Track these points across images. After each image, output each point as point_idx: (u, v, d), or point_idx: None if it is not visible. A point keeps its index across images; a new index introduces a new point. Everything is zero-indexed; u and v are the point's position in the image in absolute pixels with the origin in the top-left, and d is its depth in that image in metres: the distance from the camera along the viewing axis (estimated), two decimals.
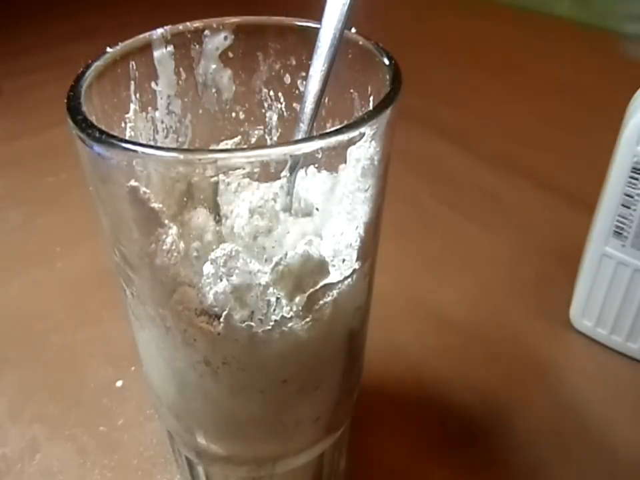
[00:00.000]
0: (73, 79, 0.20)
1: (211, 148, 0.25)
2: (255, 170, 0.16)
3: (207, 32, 0.24)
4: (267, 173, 0.21)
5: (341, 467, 0.28)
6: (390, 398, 0.32)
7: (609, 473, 0.29)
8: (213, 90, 0.25)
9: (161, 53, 0.23)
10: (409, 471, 0.29)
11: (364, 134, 0.17)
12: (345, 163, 0.20)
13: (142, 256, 0.18)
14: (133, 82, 0.22)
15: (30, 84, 0.67)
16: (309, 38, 0.22)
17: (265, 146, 0.23)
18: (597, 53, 0.71)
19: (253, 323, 0.18)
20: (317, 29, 0.21)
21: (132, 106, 0.22)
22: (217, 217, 0.23)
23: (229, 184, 0.23)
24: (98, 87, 0.20)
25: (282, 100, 0.25)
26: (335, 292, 0.19)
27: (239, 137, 0.26)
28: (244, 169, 0.16)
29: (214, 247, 0.18)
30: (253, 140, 0.26)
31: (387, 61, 0.21)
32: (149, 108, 0.23)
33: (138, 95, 0.22)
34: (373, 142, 0.18)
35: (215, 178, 0.17)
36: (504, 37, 0.77)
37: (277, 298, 0.18)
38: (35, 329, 0.37)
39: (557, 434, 0.30)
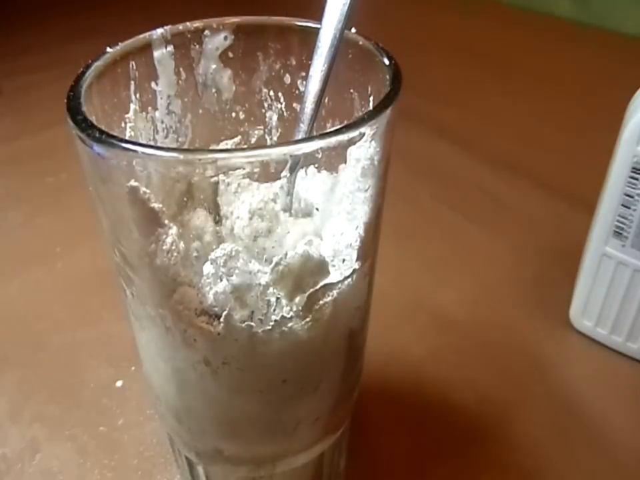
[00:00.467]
0: (72, 79, 0.19)
1: (211, 148, 0.25)
2: (255, 170, 0.16)
3: (206, 32, 0.24)
4: (267, 173, 0.21)
5: (341, 467, 0.28)
6: (390, 398, 0.32)
7: (609, 473, 0.29)
8: (213, 90, 0.25)
9: (160, 53, 0.23)
10: (409, 471, 0.29)
11: (364, 134, 0.17)
12: (345, 163, 0.20)
13: (142, 256, 0.18)
14: (132, 82, 0.22)
15: (30, 84, 0.67)
16: (309, 38, 0.22)
17: (265, 146, 0.23)
18: (597, 53, 0.71)
19: (253, 323, 0.18)
20: (317, 29, 0.21)
21: (132, 106, 0.22)
22: (217, 218, 0.23)
23: (229, 184, 0.23)
24: (98, 87, 0.20)
25: (282, 100, 0.25)
26: (334, 292, 0.19)
27: (239, 136, 0.26)
28: (244, 169, 0.16)
29: (214, 247, 0.18)
30: (253, 140, 0.26)
31: (386, 61, 0.21)
32: (149, 108, 0.23)
33: (138, 95, 0.22)
34: (372, 142, 0.18)
35: (215, 178, 0.17)
36: (504, 36, 0.77)
37: (277, 298, 0.18)
38: (34, 329, 0.37)
39: (557, 434, 0.30)
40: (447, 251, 0.43)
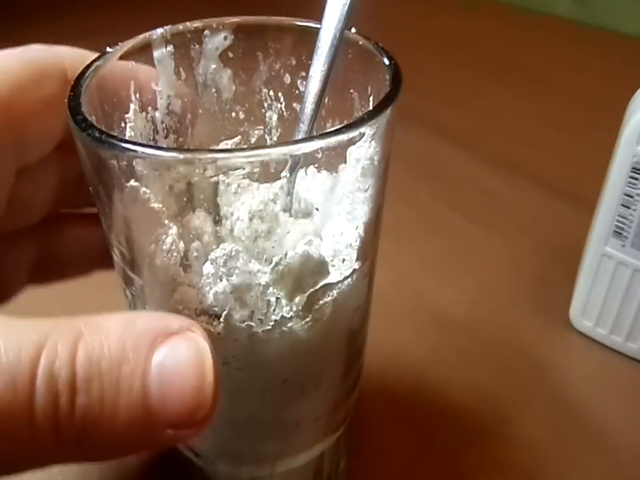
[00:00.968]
0: None
1: (211, 148, 0.25)
2: (255, 170, 0.16)
3: (206, 32, 0.24)
4: (266, 173, 0.21)
5: (341, 467, 0.28)
6: (390, 398, 0.32)
7: (609, 473, 0.29)
8: (213, 90, 0.25)
9: (160, 53, 0.23)
10: (409, 471, 0.29)
11: (364, 134, 0.17)
12: (345, 162, 0.20)
13: (142, 256, 0.18)
14: (132, 82, 0.22)
15: None
16: (309, 38, 0.22)
17: (265, 146, 0.23)
18: (597, 53, 0.71)
19: (252, 323, 0.18)
20: (317, 29, 0.21)
21: (132, 106, 0.22)
22: (217, 218, 0.23)
23: (229, 184, 0.23)
24: (98, 87, 0.20)
25: (282, 100, 0.25)
26: (335, 292, 0.19)
27: (239, 136, 0.26)
28: (244, 168, 0.16)
29: (214, 247, 0.18)
30: (253, 140, 0.26)
31: (386, 61, 0.21)
32: (149, 108, 0.23)
33: (138, 95, 0.22)
34: (372, 142, 0.18)
35: (215, 178, 0.17)
36: (504, 36, 0.77)
37: (277, 298, 0.18)
38: None
39: (557, 434, 0.30)
40: (446, 251, 0.43)
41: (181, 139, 0.25)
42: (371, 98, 0.22)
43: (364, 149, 0.18)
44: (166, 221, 0.18)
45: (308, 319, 0.19)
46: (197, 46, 0.24)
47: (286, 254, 0.18)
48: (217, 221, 0.23)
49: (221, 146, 0.25)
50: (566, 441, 0.30)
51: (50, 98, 0.21)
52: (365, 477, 0.29)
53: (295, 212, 0.23)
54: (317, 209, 0.22)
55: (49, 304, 0.39)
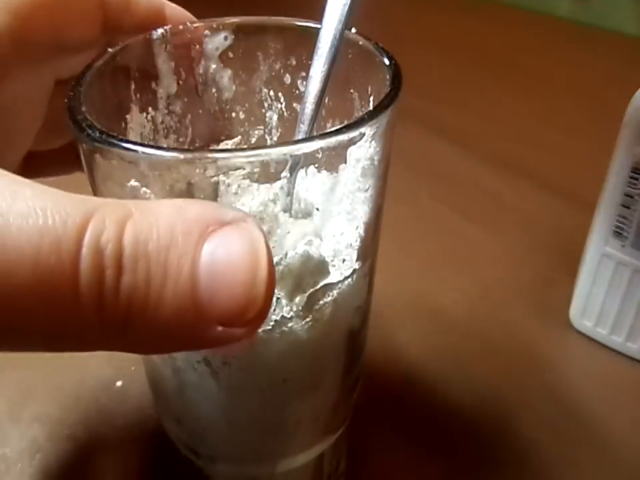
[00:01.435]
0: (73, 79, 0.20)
1: (211, 148, 0.25)
2: (255, 170, 0.16)
3: (206, 32, 0.24)
4: (267, 173, 0.21)
5: (341, 467, 0.28)
6: (390, 398, 0.32)
7: (609, 473, 0.29)
8: (213, 90, 0.25)
9: (161, 53, 0.23)
10: (409, 471, 0.29)
11: (364, 134, 0.17)
12: (345, 163, 0.20)
13: None
14: (132, 82, 0.22)
15: None
16: (309, 38, 0.22)
17: (265, 146, 0.23)
18: (598, 53, 0.71)
19: None
20: (317, 29, 0.21)
21: (132, 106, 0.22)
22: None
23: (229, 185, 0.23)
24: (98, 87, 0.20)
25: (282, 100, 0.25)
26: (335, 292, 0.19)
27: (239, 137, 0.26)
28: (244, 169, 0.16)
29: None
30: (253, 140, 0.26)
31: (387, 61, 0.21)
32: (149, 108, 0.23)
33: (138, 95, 0.22)
34: (373, 142, 0.18)
35: (215, 178, 0.17)
36: (504, 36, 0.77)
37: (277, 298, 0.18)
38: None
39: (557, 434, 0.30)
40: (446, 251, 0.43)
41: (181, 139, 0.25)
42: (371, 98, 0.22)
43: (364, 149, 0.18)
44: None
45: (308, 319, 0.19)
46: (197, 46, 0.24)
47: (286, 254, 0.18)
48: None
49: (221, 146, 0.25)
50: (566, 441, 0.30)
51: (89, 12, 0.22)
52: (364, 477, 0.29)
53: (295, 212, 0.23)
54: (317, 209, 0.22)
55: None
